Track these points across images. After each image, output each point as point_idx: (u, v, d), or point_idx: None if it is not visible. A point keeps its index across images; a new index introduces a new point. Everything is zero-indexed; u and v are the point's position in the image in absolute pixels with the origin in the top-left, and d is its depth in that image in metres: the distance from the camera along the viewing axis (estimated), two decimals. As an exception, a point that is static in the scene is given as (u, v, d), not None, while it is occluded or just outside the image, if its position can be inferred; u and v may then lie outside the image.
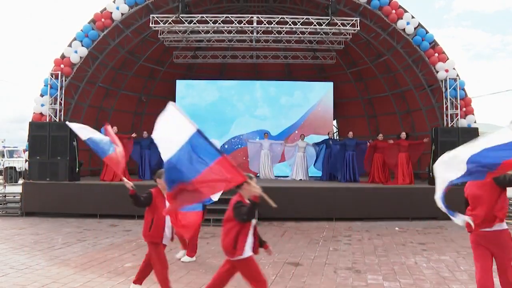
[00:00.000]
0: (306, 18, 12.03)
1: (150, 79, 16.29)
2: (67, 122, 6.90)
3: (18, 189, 12.29)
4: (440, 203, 3.55)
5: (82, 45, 11.75)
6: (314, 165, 14.09)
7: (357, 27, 11.94)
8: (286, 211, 10.44)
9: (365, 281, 5.66)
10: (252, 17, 12.10)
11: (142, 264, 4.98)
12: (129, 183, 4.64)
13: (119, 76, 14.83)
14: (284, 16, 12.23)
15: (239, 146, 16.11)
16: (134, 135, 12.78)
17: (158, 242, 4.65)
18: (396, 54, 13.22)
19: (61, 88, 11.64)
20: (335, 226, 8.84)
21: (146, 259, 4.89)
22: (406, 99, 14.88)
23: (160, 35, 13.33)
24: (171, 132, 3.55)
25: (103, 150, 4.93)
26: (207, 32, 12.96)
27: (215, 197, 5.00)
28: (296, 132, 16.05)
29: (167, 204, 4.56)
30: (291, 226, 9.94)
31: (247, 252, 3.79)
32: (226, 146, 16.31)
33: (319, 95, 16.59)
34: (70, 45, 11.77)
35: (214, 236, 8.63)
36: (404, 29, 11.84)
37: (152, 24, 12.05)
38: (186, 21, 12.09)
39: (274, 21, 12.16)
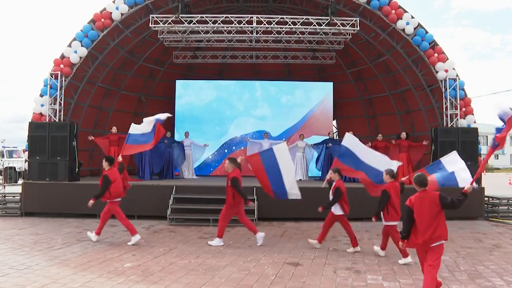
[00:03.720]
0: (305, 18, 12.02)
1: (150, 79, 16.29)
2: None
3: (17, 189, 12.29)
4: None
5: (82, 45, 11.74)
6: (315, 165, 14.11)
7: (357, 27, 11.93)
8: (286, 211, 10.44)
9: (365, 281, 5.66)
10: (252, 17, 12.09)
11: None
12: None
13: (118, 76, 14.83)
14: (284, 16, 12.23)
15: (242, 146, 15.96)
16: None
17: None
18: (396, 54, 13.21)
19: (60, 88, 11.63)
20: (335, 226, 8.82)
21: None
22: (406, 99, 14.87)
23: (159, 35, 13.32)
24: None
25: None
26: (207, 32, 12.95)
27: None
28: (297, 132, 16.03)
29: None
30: (291, 226, 9.94)
31: None
32: (226, 147, 16.30)
33: (319, 95, 16.59)
34: (69, 45, 11.76)
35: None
36: (403, 29, 11.84)
37: (151, 24, 12.04)
38: (185, 21, 12.08)
39: (273, 21, 12.16)
